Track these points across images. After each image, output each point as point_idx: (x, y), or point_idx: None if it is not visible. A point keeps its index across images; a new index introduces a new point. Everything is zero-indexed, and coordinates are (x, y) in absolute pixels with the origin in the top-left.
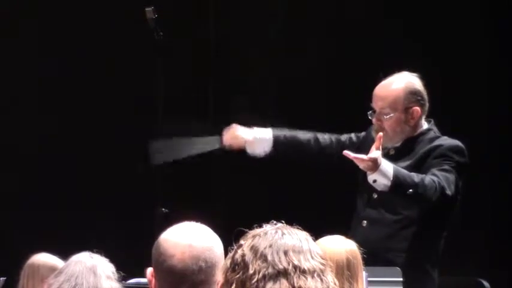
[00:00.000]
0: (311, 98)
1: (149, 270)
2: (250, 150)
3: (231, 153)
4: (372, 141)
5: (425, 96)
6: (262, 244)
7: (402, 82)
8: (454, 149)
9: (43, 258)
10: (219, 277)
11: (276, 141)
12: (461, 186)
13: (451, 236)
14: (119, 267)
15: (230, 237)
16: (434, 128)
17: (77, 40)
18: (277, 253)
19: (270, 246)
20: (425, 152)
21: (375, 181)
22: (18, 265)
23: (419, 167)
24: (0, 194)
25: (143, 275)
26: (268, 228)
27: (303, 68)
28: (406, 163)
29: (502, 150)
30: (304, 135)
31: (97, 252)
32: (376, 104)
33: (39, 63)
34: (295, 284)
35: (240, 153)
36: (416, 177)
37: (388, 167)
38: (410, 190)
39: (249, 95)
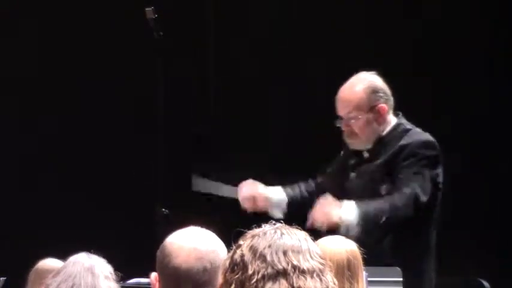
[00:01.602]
0: (315, 100)
1: (153, 275)
2: (270, 211)
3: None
4: (348, 151)
5: (388, 92)
6: (261, 244)
7: (362, 83)
8: (422, 145)
9: (49, 263)
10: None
11: (291, 203)
12: (441, 175)
13: (452, 237)
14: (119, 267)
15: (229, 238)
16: (404, 121)
17: (77, 40)
18: (276, 253)
19: (269, 246)
20: (395, 151)
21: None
22: (18, 265)
23: (389, 165)
24: (0, 194)
25: (143, 275)
26: (267, 228)
27: (304, 68)
28: (376, 167)
29: (501, 150)
30: (310, 187)
31: (95, 253)
32: (342, 110)
33: (39, 63)
34: (295, 284)
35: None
36: (384, 202)
37: (350, 212)
38: (383, 218)
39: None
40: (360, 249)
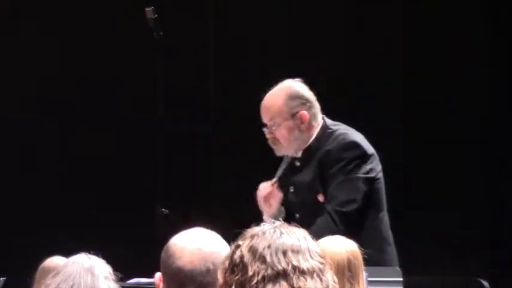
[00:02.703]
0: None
1: (157, 275)
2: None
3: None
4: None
5: (312, 98)
6: (260, 244)
7: (283, 90)
8: (343, 148)
9: (56, 261)
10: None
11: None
12: (375, 168)
13: (452, 236)
14: (118, 267)
15: (229, 238)
16: (328, 121)
17: (76, 40)
18: (276, 254)
19: (269, 246)
20: (321, 159)
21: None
22: (18, 265)
23: (322, 177)
24: (0, 194)
25: (143, 275)
26: (267, 227)
27: (305, 68)
28: (310, 176)
29: (501, 150)
30: None
31: (94, 253)
32: (265, 118)
33: (39, 63)
34: (295, 285)
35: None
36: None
37: None
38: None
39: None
40: (360, 249)
